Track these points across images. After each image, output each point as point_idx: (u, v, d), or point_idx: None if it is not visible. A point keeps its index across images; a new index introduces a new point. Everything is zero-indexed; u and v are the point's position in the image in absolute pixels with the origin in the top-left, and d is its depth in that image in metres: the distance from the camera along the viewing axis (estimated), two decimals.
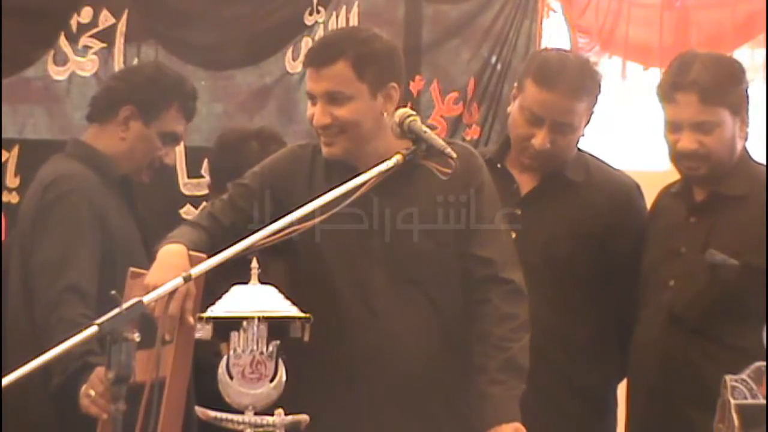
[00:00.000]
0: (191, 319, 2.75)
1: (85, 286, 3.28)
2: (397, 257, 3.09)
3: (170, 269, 2.79)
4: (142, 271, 2.97)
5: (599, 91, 3.58)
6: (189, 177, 4.79)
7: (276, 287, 2.73)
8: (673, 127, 3.40)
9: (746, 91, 3.43)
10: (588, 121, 3.57)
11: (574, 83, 3.49)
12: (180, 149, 4.76)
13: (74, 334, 2.46)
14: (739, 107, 3.39)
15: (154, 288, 2.69)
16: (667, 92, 3.40)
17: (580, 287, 3.55)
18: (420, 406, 3.08)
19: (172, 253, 2.91)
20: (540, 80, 3.48)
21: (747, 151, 3.46)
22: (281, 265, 3.24)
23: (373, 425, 3.06)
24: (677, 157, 3.41)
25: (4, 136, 4.54)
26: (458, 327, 3.11)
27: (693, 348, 3.40)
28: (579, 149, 3.66)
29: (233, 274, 2.76)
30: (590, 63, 3.70)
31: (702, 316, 3.38)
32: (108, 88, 3.70)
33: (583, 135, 3.60)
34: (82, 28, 4.67)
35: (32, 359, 2.47)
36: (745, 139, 3.44)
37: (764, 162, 3.57)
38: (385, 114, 3.07)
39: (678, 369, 3.40)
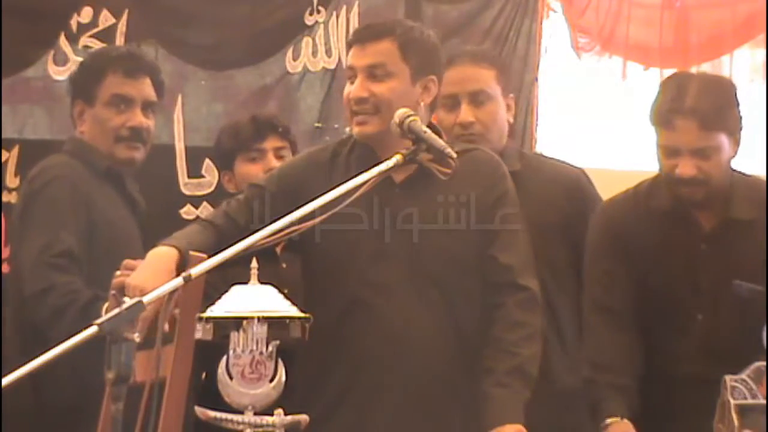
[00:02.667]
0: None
1: (75, 254, 3.30)
2: (418, 257, 3.08)
3: (152, 272, 2.79)
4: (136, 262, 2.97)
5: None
6: (189, 177, 4.79)
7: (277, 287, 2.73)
8: (669, 152, 3.31)
9: (740, 112, 3.39)
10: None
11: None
12: (180, 149, 4.77)
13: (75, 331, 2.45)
14: (735, 129, 3.35)
15: (134, 288, 2.69)
16: (665, 117, 3.30)
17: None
18: (434, 406, 3.07)
19: (158, 256, 2.89)
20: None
21: (731, 167, 3.37)
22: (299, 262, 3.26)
23: (387, 425, 3.05)
24: (674, 182, 3.33)
25: (4, 136, 4.55)
26: (474, 329, 3.10)
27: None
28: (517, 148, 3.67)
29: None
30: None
31: (737, 345, 3.22)
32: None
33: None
34: (82, 28, 4.68)
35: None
36: (734, 156, 3.39)
37: (748, 172, 3.51)
38: (422, 104, 3.10)
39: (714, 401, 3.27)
